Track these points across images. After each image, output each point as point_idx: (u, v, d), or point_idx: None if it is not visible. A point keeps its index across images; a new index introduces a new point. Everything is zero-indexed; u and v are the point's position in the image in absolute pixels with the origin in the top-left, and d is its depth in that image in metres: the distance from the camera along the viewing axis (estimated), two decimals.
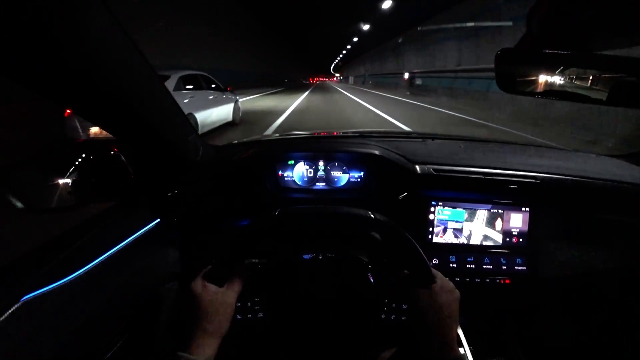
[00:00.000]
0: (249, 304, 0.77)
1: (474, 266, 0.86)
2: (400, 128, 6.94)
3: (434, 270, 0.56)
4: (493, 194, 0.87)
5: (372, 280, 0.63)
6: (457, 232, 0.88)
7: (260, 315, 0.77)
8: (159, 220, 0.80)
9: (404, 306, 0.76)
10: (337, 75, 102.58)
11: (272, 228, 0.60)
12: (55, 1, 0.39)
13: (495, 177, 0.85)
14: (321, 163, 0.94)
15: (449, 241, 0.88)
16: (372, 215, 0.58)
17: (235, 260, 0.57)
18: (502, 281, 0.86)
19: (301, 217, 0.61)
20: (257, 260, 0.64)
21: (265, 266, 0.64)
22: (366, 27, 30.03)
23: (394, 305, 0.77)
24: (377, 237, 0.58)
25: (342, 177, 0.94)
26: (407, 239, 0.56)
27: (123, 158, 0.71)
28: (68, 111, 3.98)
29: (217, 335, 0.52)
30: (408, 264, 0.57)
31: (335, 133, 1.35)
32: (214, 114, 6.14)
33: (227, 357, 0.50)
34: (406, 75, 22.21)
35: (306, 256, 0.65)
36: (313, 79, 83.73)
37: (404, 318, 0.76)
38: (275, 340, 0.73)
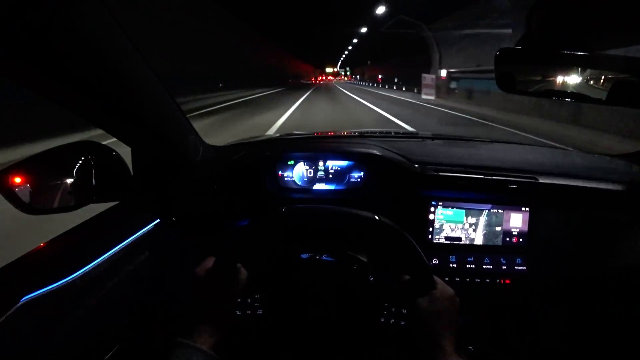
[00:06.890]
0: (249, 300, 0.77)
1: (474, 266, 0.86)
2: (403, 128, 6.90)
3: (434, 277, 0.56)
4: (493, 194, 0.87)
5: (372, 282, 0.63)
6: (457, 232, 0.88)
7: (259, 312, 0.77)
8: (159, 220, 0.80)
9: (404, 311, 0.76)
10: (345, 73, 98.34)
11: (277, 224, 0.60)
12: (56, 2, 0.39)
13: (495, 177, 0.85)
14: (321, 163, 0.94)
15: (449, 241, 0.88)
16: (377, 218, 0.58)
17: (240, 254, 0.57)
18: (502, 281, 0.86)
19: (306, 215, 0.61)
20: (258, 259, 0.64)
21: (266, 264, 0.64)
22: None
23: (393, 309, 0.76)
24: (380, 240, 0.58)
25: (341, 177, 0.94)
26: (411, 244, 0.56)
27: (123, 158, 0.71)
28: None
29: (219, 323, 0.51)
30: (410, 269, 0.57)
31: (335, 133, 1.34)
32: None
33: (225, 351, 0.50)
34: None
35: (304, 255, 0.64)
36: (316, 79, 79.07)
37: (403, 322, 0.76)
38: (274, 338, 0.73)
